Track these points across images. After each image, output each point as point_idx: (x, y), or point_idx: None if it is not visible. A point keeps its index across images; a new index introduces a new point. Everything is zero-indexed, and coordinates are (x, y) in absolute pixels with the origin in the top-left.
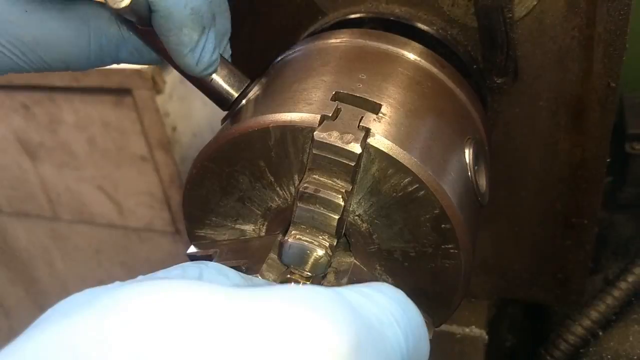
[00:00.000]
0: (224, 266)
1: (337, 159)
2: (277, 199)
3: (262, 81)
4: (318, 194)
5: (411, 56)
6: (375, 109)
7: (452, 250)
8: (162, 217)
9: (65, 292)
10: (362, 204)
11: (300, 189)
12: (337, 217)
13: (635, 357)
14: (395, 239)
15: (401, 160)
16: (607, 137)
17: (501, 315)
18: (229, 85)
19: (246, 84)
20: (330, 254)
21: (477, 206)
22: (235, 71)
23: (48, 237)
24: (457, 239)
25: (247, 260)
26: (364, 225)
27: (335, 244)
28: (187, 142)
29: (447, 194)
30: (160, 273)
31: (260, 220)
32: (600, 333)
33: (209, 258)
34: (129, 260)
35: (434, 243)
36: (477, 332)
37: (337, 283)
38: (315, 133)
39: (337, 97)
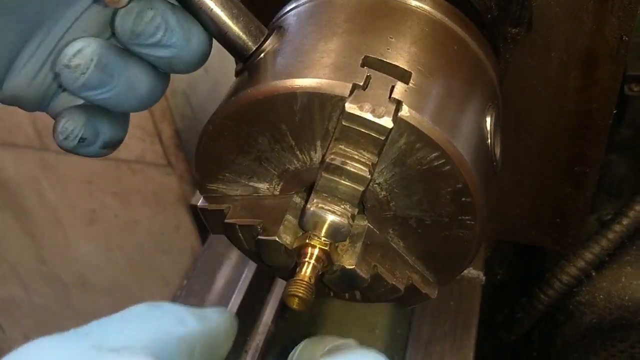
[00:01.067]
0: (179, 308)
1: (366, 132)
2: (295, 162)
3: (282, 33)
4: (345, 167)
5: (437, 14)
6: (405, 77)
7: (468, 222)
8: (154, 150)
9: (56, 220)
10: (384, 173)
11: (327, 160)
12: (361, 189)
13: (626, 297)
14: (412, 208)
15: (431, 136)
16: (615, 90)
17: (494, 253)
18: (246, 35)
19: (264, 35)
20: (352, 223)
21: (492, 173)
22: (253, 20)
23: (37, 167)
24: (476, 212)
25: (263, 219)
26: (383, 193)
27: (356, 213)
28: (177, 76)
29: (472, 170)
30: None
31: (275, 179)
32: (594, 274)
33: (220, 213)
34: (121, 190)
35: (452, 214)
36: (475, 273)
37: (352, 246)
38: (346, 105)
39: (366, 62)
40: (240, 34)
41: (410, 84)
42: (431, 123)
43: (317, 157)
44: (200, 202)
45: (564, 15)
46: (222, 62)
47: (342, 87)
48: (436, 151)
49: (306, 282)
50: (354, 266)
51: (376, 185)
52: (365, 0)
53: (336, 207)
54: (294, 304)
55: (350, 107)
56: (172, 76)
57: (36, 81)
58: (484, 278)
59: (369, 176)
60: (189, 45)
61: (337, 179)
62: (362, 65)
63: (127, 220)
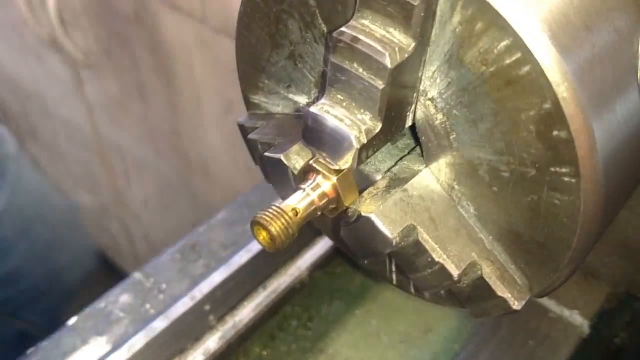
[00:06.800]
0: None
1: None
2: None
3: None
4: (355, 45)
5: None
6: None
7: (566, 178)
8: None
9: (197, 99)
10: (437, 81)
11: (335, 35)
12: (381, 84)
13: None
14: (481, 146)
15: (496, 7)
16: None
17: (622, 308)
18: None
19: None
20: (364, 140)
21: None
22: None
23: (193, 38)
24: (577, 160)
25: (285, 137)
26: (439, 116)
27: (378, 130)
28: None
29: (568, 75)
30: None
31: (313, 90)
32: None
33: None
34: None
35: (540, 161)
36: (579, 320)
37: (386, 192)
38: None
39: None
40: None
41: None
42: None
43: None
44: (240, 118)
45: None
46: None
47: None
48: (507, 36)
49: (287, 214)
50: (372, 212)
51: (429, 102)
52: None
53: (348, 115)
54: (260, 236)
55: None
56: None
57: None
58: (587, 331)
59: (390, 64)
60: None
61: (347, 67)
62: None
63: None
